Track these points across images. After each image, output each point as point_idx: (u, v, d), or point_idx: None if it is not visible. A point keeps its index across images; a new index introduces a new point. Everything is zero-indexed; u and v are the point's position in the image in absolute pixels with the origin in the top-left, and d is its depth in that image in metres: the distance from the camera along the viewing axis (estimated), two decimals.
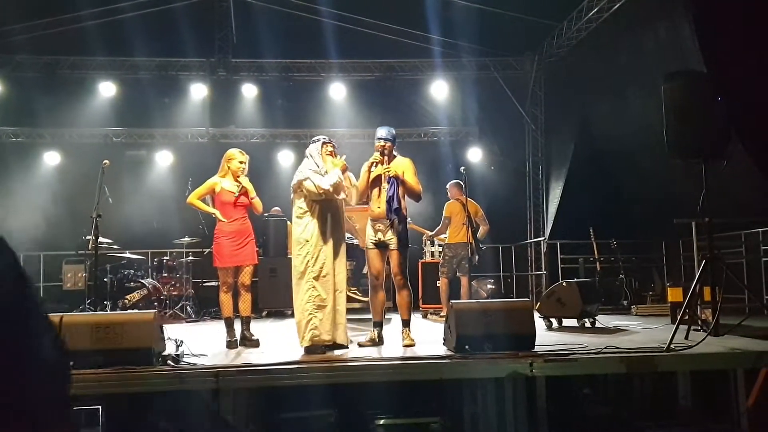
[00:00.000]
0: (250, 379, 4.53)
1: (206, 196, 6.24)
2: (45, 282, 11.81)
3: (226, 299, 6.15)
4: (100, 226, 9.71)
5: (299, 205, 5.57)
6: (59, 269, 11.22)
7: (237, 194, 6.10)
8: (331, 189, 5.44)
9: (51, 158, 12.57)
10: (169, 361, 4.77)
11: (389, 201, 5.80)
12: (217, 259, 6.17)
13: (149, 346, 4.71)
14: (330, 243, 5.52)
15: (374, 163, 5.90)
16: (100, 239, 9.72)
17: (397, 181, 5.86)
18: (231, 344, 6.06)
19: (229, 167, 6.24)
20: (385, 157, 5.93)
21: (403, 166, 5.98)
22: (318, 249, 5.47)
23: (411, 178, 5.95)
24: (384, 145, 5.94)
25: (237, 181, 6.19)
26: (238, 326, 6.19)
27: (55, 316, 4.79)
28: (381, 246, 5.93)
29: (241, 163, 6.24)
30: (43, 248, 11.71)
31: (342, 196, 5.68)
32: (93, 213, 6.35)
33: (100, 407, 4.96)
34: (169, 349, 5.15)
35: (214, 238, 6.20)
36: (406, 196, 6.01)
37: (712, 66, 7.27)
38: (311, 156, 5.71)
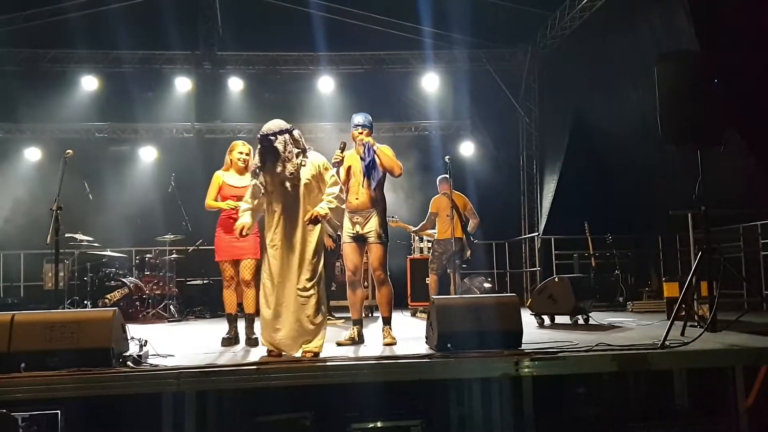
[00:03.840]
0: (213, 380, 4.23)
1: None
2: (26, 282, 11.57)
3: (226, 295, 6.11)
4: (80, 222, 9.65)
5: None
6: (40, 268, 10.92)
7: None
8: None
9: (31, 154, 12.29)
10: (129, 362, 4.47)
11: (367, 166, 5.58)
12: (216, 253, 6.13)
13: (108, 346, 4.40)
14: (286, 245, 5.00)
15: (336, 163, 5.62)
16: (81, 237, 9.55)
17: (373, 149, 5.65)
18: (224, 341, 5.95)
19: (230, 159, 6.19)
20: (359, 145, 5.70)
21: (382, 147, 5.77)
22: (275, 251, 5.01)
23: (388, 152, 5.75)
24: (361, 132, 5.75)
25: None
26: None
27: (5, 315, 4.51)
28: (359, 239, 5.67)
29: (240, 153, 6.16)
30: (24, 247, 11.43)
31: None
32: (53, 205, 6.05)
33: (59, 412, 4.68)
34: (133, 349, 4.85)
35: (215, 232, 6.13)
36: (383, 186, 5.76)
37: (708, 49, 7.05)
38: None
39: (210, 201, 6.10)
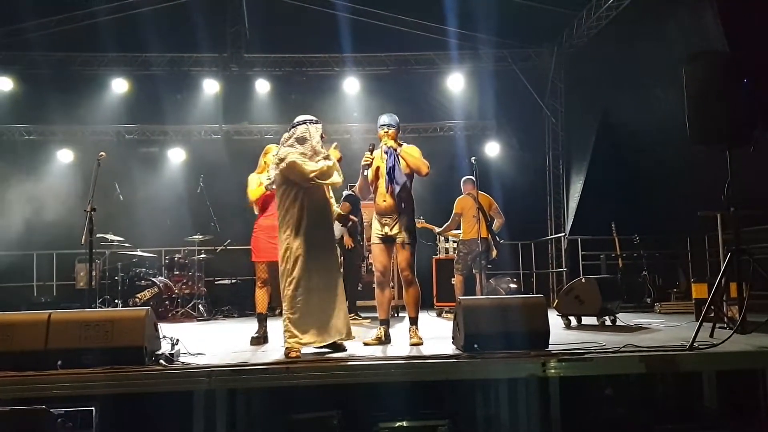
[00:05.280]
0: (244, 379, 4.31)
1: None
2: (58, 281, 11.76)
3: (259, 294, 6.19)
4: (111, 223, 9.81)
5: (283, 196, 5.15)
6: (72, 268, 11.12)
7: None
8: (317, 173, 5.08)
9: (64, 156, 12.51)
10: (161, 361, 4.56)
11: (389, 173, 5.59)
12: (253, 253, 6.20)
13: (141, 345, 4.50)
14: (317, 238, 5.12)
15: (365, 166, 5.70)
16: (112, 237, 9.72)
17: (395, 154, 5.66)
18: (254, 340, 6.02)
19: (265, 162, 6.24)
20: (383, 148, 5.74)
21: (408, 148, 5.77)
22: (301, 244, 5.06)
23: (414, 152, 5.74)
24: (387, 132, 5.75)
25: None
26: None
27: (43, 313, 4.62)
28: (387, 241, 5.70)
29: (275, 155, 6.13)
30: (57, 246, 11.63)
31: (329, 180, 5.26)
32: (87, 207, 6.18)
33: (93, 408, 4.78)
34: (165, 348, 4.95)
35: (252, 233, 6.22)
36: (411, 183, 5.78)
37: (737, 49, 6.96)
38: (311, 136, 5.20)
39: (254, 193, 6.12)
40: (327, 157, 5.24)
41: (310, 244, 5.05)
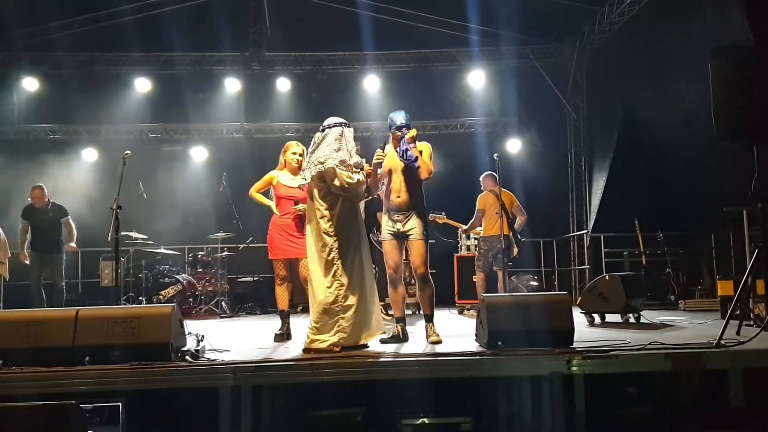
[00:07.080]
0: (269, 375, 4.34)
1: (267, 189, 6.36)
2: (83, 278, 11.89)
3: (279, 292, 6.26)
4: (134, 221, 9.92)
5: (320, 196, 5.19)
6: (97, 265, 11.24)
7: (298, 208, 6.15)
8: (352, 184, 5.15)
9: (89, 155, 12.64)
10: (187, 357, 4.60)
11: (403, 153, 5.59)
12: (269, 251, 6.26)
13: (167, 341, 4.55)
14: (353, 236, 5.21)
15: (377, 164, 5.62)
16: (136, 235, 9.83)
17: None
18: (277, 337, 6.06)
19: (284, 159, 6.29)
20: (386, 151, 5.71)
21: (420, 146, 5.73)
22: (346, 243, 5.14)
23: (426, 151, 5.73)
24: (406, 132, 5.67)
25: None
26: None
27: (71, 310, 4.68)
28: (399, 237, 5.66)
29: (294, 153, 6.25)
30: (81, 244, 11.72)
31: (355, 196, 5.36)
32: (113, 205, 6.24)
33: (120, 404, 4.83)
34: (190, 344, 4.99)
35: (268, 231, 6.27)
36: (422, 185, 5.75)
37: (763, 43, 6.86)
38: (346, 140, 5.24)
39: (253, 192, 6.31)
40: (360, 168, 5.29)
41: (352, 243, 5.16)
